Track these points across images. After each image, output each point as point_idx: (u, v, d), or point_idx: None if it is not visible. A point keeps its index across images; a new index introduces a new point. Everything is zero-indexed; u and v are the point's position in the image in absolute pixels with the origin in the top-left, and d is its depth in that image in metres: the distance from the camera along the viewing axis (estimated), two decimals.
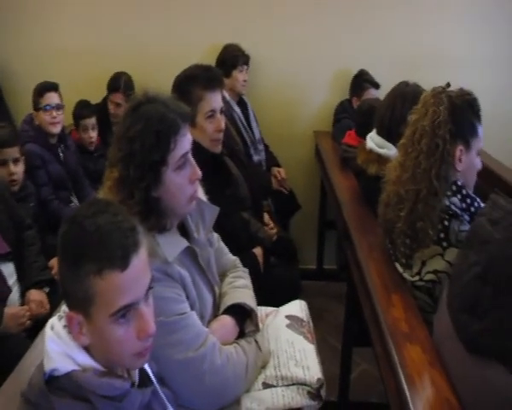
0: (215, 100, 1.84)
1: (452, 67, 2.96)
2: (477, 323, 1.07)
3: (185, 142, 1.19)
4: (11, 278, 1.95)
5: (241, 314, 1.35)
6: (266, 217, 2.37)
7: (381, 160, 1.91)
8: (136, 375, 0.97)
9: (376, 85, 2.96)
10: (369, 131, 2.04)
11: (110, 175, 1.20)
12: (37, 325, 1.80)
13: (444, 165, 1.44)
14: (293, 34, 3.07)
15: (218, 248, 1.48)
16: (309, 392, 1.30)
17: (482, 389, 1.05)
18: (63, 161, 2.63)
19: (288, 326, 1.47)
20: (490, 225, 1.13)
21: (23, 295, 1.96)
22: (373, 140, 1.99)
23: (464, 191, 1.46)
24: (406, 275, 1.53)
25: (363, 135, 2.16)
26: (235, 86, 2.94)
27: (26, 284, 1.98)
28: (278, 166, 3.09)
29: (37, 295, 1.95)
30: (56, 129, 2.56)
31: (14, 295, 1.94)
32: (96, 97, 2.99)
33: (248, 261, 1.68)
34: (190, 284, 1.24)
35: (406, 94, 1.86)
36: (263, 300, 1.53)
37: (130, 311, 0.86)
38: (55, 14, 3.08)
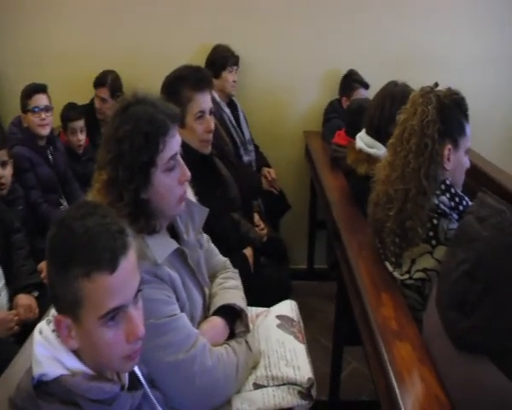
0: (204, 101, 1.84)
1: (440, 66, 2.98)
2: (465, 320, 1.07)
3: (174, 143, 1.18)
4: None
5: (232, 315, 1.35)
6: (256, 217, 2.36)
7: (371, 159, 1.91)
8: (125, 378, 0.97)
9: (366, 85, 2.96)
10: (359, 130, 2.04)
11: (99, 177, 1.19)
12: (25, 329, 1.77)
13: (433, 164, 1.45)
14: (283, 35, 3.07)
15: (208, 250, 1.48)
16: (300, 392, 1.30)
17: (470, 385, 1.06)
18: (52, 163, 2.60)
19: (278, 326, 1.47)
20: (477, 223, 1.14)
21: (11, 299, 1.94)
22: (362, 140, 1.99)
23: (453, 190, 1.47)
24: (396, 274, 1.54)
25: (352, 135, 2.17)
26: (224, 87, 2.94)
27: (14, 288, 1.96)
28: (268, 166, 3.09)
29: (25, 300, 1.93)
30: (45, 131, 2.53)
31: (3, 299, 1.92)
32: (85, 99, 2.97)
33: (238, 262, 1.68)
34: (180, 285, 1.23)
35: (395, 94, 1.87)
36: (253, 300, 1.53)
37: (119, 314, 0.85)
38: (42, 17, 3.04)
